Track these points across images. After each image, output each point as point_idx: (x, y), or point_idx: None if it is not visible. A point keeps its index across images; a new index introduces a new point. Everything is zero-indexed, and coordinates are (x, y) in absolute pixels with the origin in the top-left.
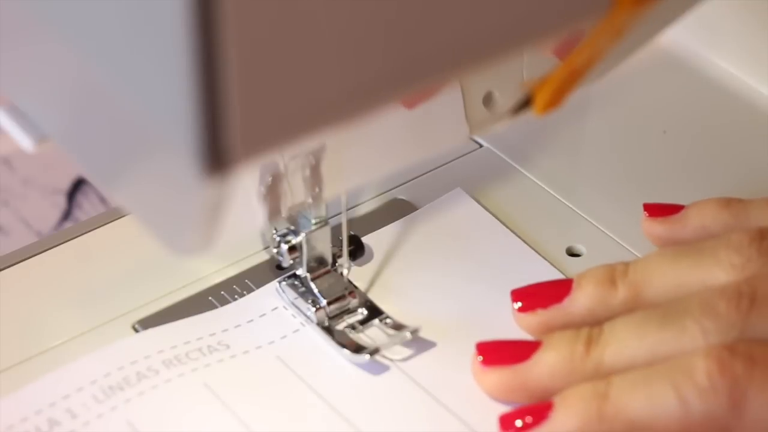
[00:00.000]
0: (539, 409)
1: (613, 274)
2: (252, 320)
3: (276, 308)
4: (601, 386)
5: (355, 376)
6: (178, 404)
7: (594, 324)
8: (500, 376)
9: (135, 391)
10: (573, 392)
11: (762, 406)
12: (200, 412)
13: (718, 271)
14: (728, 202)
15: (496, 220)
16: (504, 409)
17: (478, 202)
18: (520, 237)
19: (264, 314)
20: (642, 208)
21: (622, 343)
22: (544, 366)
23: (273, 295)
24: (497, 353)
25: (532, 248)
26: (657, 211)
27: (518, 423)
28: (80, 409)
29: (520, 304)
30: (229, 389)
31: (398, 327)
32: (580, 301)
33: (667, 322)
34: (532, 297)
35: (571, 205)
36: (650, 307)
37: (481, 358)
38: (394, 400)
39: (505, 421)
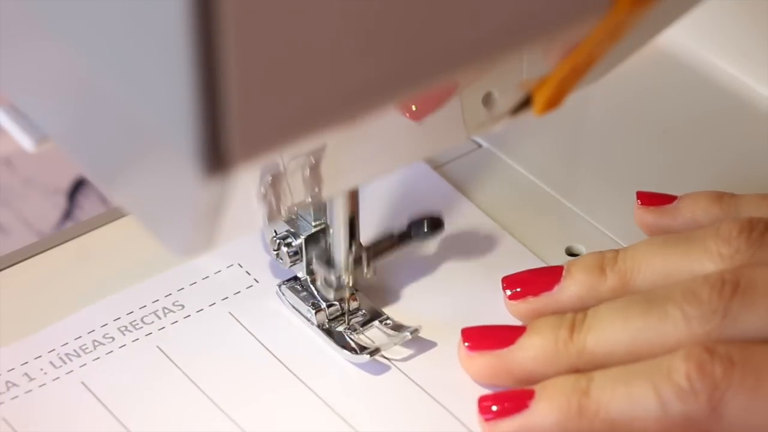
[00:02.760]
0: (519, 396)
1: (602, 261)
2: (207, 277)
3: (231, 265)
4: (583, 381)
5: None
6: (131, 368)
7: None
8: (485, 360)
9: (90, 357)
10: (554, 384)
11: (740, 408)
12: (152, 374)
13: (707, 260)
14: (720, 196)
15: (493, 221)
16: None
17: (478, 202)
18: (519, 237)
19: (219, 271)
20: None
21: (605, 328)
22: (528, 350)
23: (228, 253)
24: (482, 338)
25: (531, 248)
26: (650, 199)
27: (494, 408)
28: (37, 373)
29: (510, 291)
30: (181, 350)
31: (398, 328)
32: (570, 289)
33: (650, 308)
34: (522, 284)
35: (570, 205)
36: (635, 294)
37: (467, 343)
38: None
39: (484, 404)
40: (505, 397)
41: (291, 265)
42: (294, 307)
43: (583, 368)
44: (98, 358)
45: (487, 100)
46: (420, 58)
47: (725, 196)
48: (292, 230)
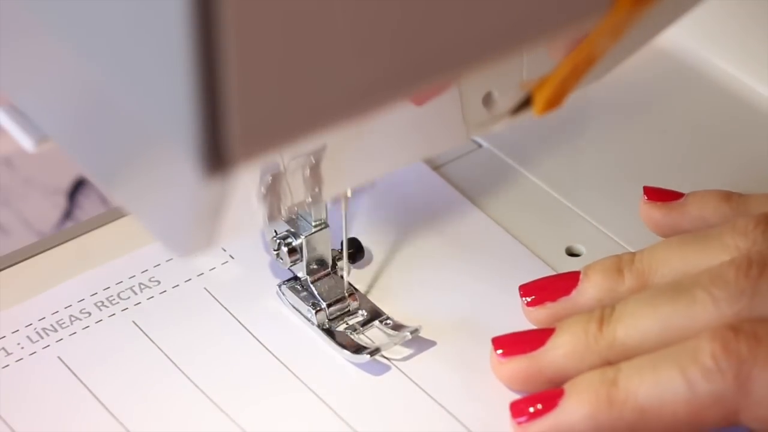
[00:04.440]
0: (550, 396)
1: (619, 263)
2: None
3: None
4: (610, 373)
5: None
6: (107, 342)
7: None
8: (518, 364)
9: (67, 332)
10: (582, 380)
11: None
12: (128, 348)
13: (725, 255)
14: (729, 195)
15: (493, 221)
16: (505, 407)
17: (478, 202)
18: (519, 237)
19: None
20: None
21: (635, 318)
22: (559, 349)
23: None
24: (514, 344)
25: (531, 248)
26: (657, 195)
27: (531, 409)
28: (14, 348)
29: (528, 298)
30: (157, 325)
31: (398, 327)
32: (588, 292)
33: (678, 294)
34: (540, 291)
35: (570, 205)
36: (661, 285)
37: (500, 351)
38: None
39: (516, 408)
40: (536, 399)
41: (291, 265)
42: (294, 307)
43: (615, 360)
44: (75, 332)
45: (487, 100)
46: (420, 58)
47: (734, 195)
48: (292, 230)
